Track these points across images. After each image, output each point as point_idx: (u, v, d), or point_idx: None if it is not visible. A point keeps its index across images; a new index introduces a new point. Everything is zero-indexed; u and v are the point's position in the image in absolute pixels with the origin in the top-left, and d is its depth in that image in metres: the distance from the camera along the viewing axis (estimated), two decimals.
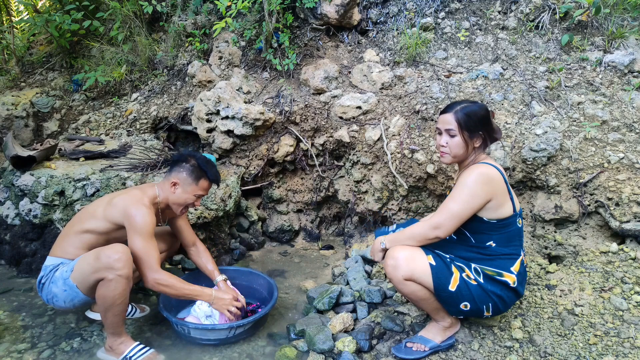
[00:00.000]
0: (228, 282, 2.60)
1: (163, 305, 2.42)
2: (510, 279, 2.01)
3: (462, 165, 2.15)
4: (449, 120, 2.05)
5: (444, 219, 1.97)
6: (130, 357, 2.19)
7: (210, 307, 2.41)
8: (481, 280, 2.00)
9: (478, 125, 2.02)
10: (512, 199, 2.02)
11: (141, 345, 2.24)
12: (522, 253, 2.09)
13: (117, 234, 2.27)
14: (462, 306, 2.01)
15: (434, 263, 2.00)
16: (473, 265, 2.04)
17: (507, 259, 2.04)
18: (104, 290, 2.07)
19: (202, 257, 2.65)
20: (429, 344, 2.14)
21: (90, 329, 2.50)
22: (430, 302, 2.08)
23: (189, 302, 2.56)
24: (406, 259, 2.00)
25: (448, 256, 2.10)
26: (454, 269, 2.01)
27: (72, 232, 2.28)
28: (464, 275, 2.01)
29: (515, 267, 2.04)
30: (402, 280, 2.01)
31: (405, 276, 1.99)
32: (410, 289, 2.03)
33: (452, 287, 1.98)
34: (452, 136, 2.05)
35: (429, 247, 2.09)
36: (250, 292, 2.75)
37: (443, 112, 2.10)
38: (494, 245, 2.03)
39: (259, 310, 2.54)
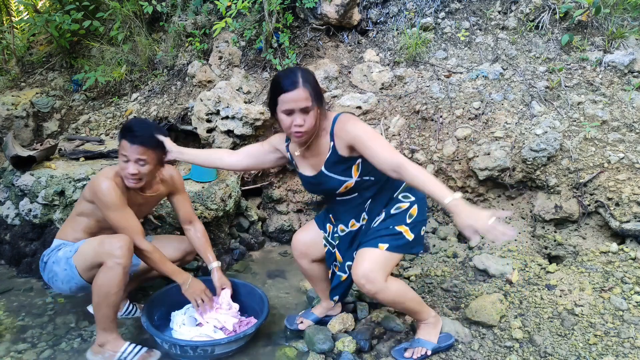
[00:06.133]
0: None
1: (147, 310, 2.36)
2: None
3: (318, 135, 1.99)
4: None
5: (395, 152, 1.85)
6: (125, 358, 2.15)
7: (187, 318, 2.41)
8: (412, 199, 2.05)
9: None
10: None
11: (133, 345, 2.18)
12: None
13: (101, 214, 2.25)
14: (422, 232, 2.08)
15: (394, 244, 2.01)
16: (396, 197, 2.06)
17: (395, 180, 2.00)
18: (101, 277, 2.06)
19: (199, 239, 2.55)
20: (428, 345, 2.12)
21: (90, 329, 2.49)
22: (413, 297, 2.08)
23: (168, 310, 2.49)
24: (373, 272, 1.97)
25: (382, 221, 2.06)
26: (398, 228, 2.01)
27: (70, 216, 2.40)
28: (405, 222, 2.03)
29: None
30: (383, 285, 1.94)
31: (382, 279, 1.95)
32: (394, 287, 1.99)
33: (409, 236, 2.02)
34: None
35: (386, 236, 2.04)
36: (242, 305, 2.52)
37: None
38: (379, 175, 1.99)
39: (234, 332, 2.31)
